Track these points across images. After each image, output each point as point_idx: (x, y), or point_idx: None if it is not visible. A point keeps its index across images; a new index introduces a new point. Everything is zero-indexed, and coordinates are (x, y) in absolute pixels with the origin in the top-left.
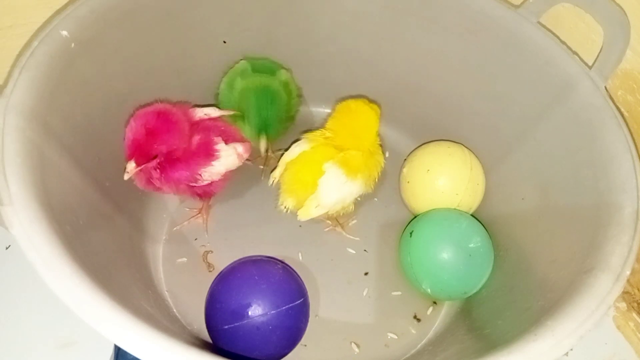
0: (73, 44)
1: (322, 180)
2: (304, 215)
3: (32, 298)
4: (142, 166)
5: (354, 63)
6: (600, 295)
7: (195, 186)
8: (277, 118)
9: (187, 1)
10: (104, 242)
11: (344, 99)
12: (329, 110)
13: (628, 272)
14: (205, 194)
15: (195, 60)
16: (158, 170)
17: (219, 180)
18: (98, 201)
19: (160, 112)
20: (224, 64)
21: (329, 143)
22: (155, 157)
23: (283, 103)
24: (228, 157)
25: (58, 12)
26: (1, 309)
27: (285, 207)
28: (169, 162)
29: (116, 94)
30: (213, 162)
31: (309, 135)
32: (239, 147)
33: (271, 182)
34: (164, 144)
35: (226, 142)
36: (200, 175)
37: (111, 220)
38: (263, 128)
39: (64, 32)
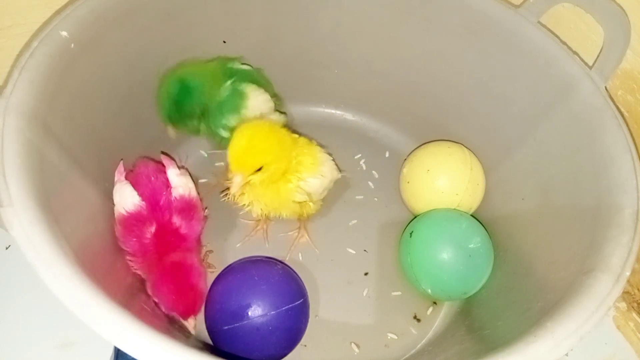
0: (73, 45)
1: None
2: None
3: (32, 298)
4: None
5: (354, 63)
6: (600, 296)
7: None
8: (189, 113)
9: (187, 1)
10: (104, 243)
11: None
12: (328, 110)
13: (628, 273)
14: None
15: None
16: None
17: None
18: (98, 202)
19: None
20: None
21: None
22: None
23: (200, 102)
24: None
25: (58, 12)
26: (1, 309)
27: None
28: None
29: (116, 94)
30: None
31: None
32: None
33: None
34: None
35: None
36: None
37: (111, 221)
38: (168, 117)
39: (64, 33)
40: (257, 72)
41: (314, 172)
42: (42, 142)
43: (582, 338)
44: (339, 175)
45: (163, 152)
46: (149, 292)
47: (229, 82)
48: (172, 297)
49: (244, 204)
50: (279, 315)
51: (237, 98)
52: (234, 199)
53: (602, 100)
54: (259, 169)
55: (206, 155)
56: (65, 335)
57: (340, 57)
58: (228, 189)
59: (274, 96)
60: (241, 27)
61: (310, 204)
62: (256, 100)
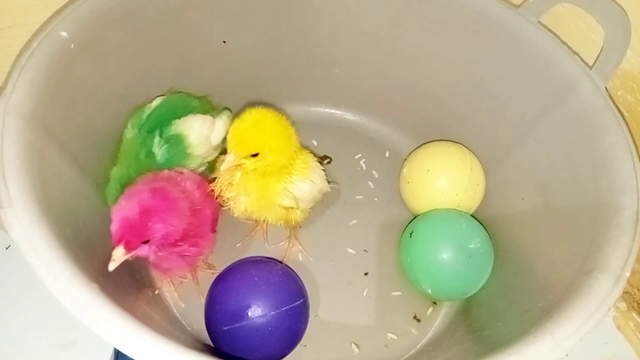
0: (72, 45)
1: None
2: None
3: (32, 298)
4: (133, 252)
5: (354, 63)
6: (600, 297)
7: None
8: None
9: (187, 1)
10: (104, 244)
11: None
12: (328, 110)
13: (628, 274)
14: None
15: (195, 60)
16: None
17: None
18: (98, 202)
19: (156, 189)
20: (224, 64)
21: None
22: (147, 241)
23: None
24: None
25: (58, 12)
26: (1, 309)
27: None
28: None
29: (116, 95)
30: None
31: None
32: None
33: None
34: (159, 224)
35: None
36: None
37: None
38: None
39: (63, 33)
40: (169, 98)
41: (304, 177)
42: (42, 143)
43: (582, 339)
44: (329, 188)
45: None
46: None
47: (156, 143)
48: None
49: (230, 197)
50: (278, 316)
51: (175, 148)
52: (221, 189)
53: (602, 100)
54: (256, 155)
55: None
56: (65, 335)
57: (340, 57)
58: (216, 178)
59: (200, 99)
60: (241, 27)
61: (297, 211)
62: (194, 132)
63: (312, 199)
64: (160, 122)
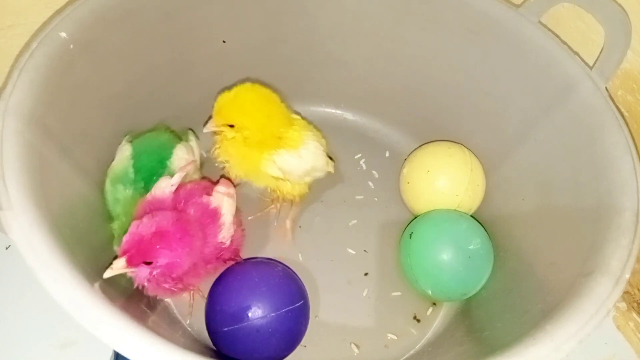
0: (72, 45)
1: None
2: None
3: (32, 298)
4: (132, 269)
5: (354, 63)
6: (600, 299)
7: (223, 253)
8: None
9: (187, 1)
10: (104, 246)
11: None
12: (328, 110)
13: (628, 276)
14: (235, 252)
15: (195, 60)
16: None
17: (236, 229)
18: (98, 204)
19: (180, 219)
20: (224, 64)
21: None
22: (149, 263)
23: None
24: (225, 204)
25: (58, 12)
26: (1, 309)
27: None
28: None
29: (116, 95)
30: (221, 221)
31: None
32: (222, 189)
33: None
34: (167, 251)
35: (208, 194)
36: (221, 241)
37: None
38: None
39: (63, 34)
40: (138, 145)
41: (293, 151)
42: (41, 144)
43: (582, 341)
44: (329, 168)
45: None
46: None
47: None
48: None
49: (223, 161)
50: (279, 317)
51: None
52: (215, 151)
53: (603, 100)
54: (232, 125)
55: (206, 155)
56: (65, 335)
57: (340, 57)
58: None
59: (165, 132)
60: (241, 27)
61: (288, 183)
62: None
63: (303, 173)
64: (151, 172)
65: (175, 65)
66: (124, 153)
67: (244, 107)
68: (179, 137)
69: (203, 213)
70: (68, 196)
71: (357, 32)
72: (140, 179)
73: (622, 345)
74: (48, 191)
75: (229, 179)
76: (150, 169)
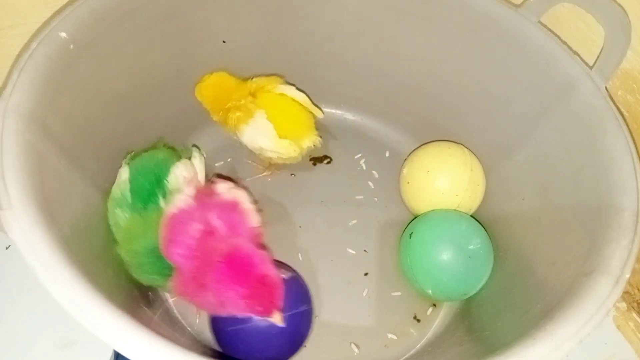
0: (72, 45)
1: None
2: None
3: (32, 298)
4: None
5: (354, 63)
6: (600, 298)
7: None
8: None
9: (187, 1)
10: (104, 246)
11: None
12: (328, 110)
13: (628, 276)
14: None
15: (195, 60)
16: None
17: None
18: (98, 204)
19: (211, 228)
20: (224, 64)
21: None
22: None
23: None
24: (237, 193)
25: (57, 12)
26: (1, 309)
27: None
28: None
29: (116, 95)
30: (244, 209)
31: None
32: (224, 186)
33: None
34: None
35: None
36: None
37: None
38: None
39: (63, 34)
40: (136, 166)
41: (244, 126)
42: (41, 144)
43: (582, 341)
44: (282, 152)
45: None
46: (216, 305)
47: (162, 204)
48: (243, 298)
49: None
50: (284, 320)
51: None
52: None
53: (603, 100)
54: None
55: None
56: (65, 335)
57: (340, 57)
58: None
59: (161, 150)
60: (241, 27)
61: (268, 152)
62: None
63: (259, 149)
64: (149, 192)
65: (175, 65)
66: (122, 177)
67: (203, 92)
68: (179, 154)
69: (229, 214)
70: (68, 196)
71: (357, 32)
72: (138, 200)
73: (622, 345)
74: (48, 191)
75: (221, 175)
76: (147, 190)
